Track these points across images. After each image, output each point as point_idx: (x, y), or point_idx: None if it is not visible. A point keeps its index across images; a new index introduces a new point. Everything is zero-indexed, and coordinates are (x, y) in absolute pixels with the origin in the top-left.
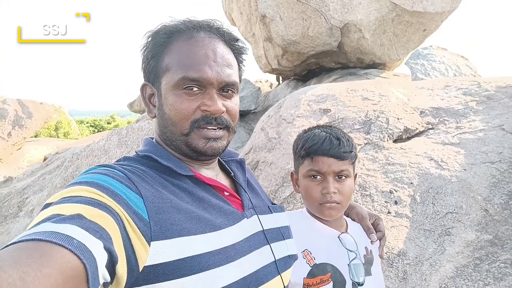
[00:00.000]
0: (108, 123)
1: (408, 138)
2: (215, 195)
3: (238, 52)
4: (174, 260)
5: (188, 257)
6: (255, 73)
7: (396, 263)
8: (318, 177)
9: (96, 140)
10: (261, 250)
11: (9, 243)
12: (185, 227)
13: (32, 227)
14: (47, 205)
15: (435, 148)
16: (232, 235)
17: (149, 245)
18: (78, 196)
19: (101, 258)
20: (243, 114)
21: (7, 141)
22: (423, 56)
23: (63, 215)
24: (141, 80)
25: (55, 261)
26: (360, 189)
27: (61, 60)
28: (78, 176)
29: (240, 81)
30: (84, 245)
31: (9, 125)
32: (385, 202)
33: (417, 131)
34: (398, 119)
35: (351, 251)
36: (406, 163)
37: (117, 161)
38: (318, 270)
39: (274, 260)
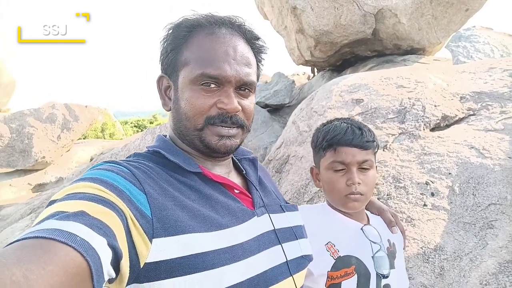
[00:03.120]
0: (151, 122)
1: (447, 126)
2: (224, 193)
3: (258, 51)
4: (176, 258)
5: (192, 255)
6: (291, 66)
7: (432, 258)
8: (342, 168)
9: (133, 140)
10: (271, 250)
11: (13, 240)
12: (189, 225)
13: (36, 224)
14: (52, 202)
15: (476, 136)
16: (240, 233)
17: (151, 242)
18: (82, 192)
19: (105, 255)
20: (278, 108)
21: (57, 143)
22: (465, 38)
23: (67, 212)
24: (142, 80)
25: (58, 259)
26: (394, 181)
27: (61, 60)
28: (84, 173)
29: (257, 80)
30: (88, 242)
31: (58, 129)
32: (420, 194)
33: (457, 118)
34: (435, 106)
35: (375, 243)
36: (444, 152)
37: (127, 157)
38: (342, 263)
39: (285, 260)
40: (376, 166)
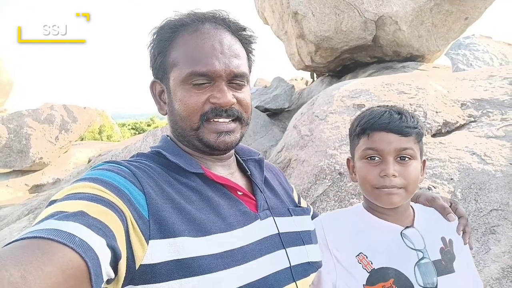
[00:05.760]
0: (148, 125)
1: (448, 132)
2: (226, 195)
3: (246, 42)
4: (172, 260)
5: (188, 258)
6: (290, 71)
7: None
8: (376, 158)
9: (134, 142)
10: (274, 254)
11: (12, 240)
12: (187, 228)
13: (35, 224)
14: (52, 202)
15: (477, 142)
16: (241, 237)
17: (147, 243)
18: (82, 192)
19: (104, 256)
20: (277, 113)
21: (55, 144)
22: (464, 46)
23: (67, 212)
24: (140, 79)
25: (56, 260)
26: None
27: (61, 60)
28: (85, 173)
29: (250, 71)
30: (87, 243)
31: (56, 130)
32: None
33: (458, 124)
34: (436, 112)
35: (417, 250)
36: (445, 158)
37: (131, 157)
38: (378, 276)
39: (289, 266)
40: (425, 161)
